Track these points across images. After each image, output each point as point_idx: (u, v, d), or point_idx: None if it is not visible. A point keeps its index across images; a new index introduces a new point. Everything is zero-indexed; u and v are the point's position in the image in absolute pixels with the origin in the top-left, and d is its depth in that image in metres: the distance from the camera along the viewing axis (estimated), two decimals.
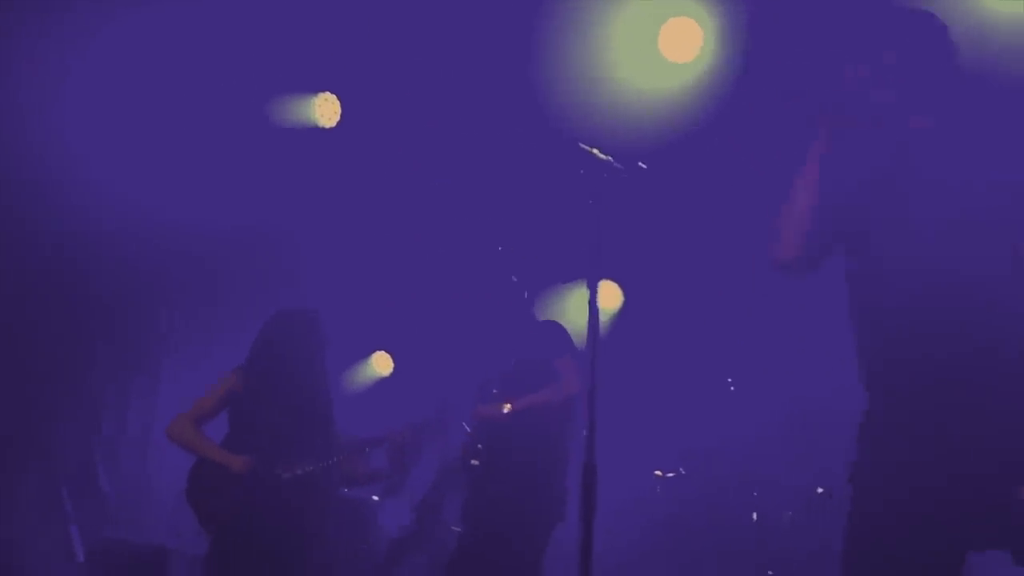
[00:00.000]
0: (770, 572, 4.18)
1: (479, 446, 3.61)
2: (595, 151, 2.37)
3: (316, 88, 5.70)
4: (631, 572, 4.57)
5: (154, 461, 6.07)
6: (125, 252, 5.69)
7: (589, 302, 2.29)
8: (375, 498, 5.19)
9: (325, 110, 5.75)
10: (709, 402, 5.03)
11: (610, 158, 2.38)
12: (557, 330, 3.87)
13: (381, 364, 7.82)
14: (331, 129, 5.75)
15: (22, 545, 5.84)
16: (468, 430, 3.69)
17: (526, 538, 3.48)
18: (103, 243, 5.56)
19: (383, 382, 7.59)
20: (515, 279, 3.89)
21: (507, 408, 3.56)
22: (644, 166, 2.40)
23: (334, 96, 5.75)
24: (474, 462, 3.61)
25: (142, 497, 6.02)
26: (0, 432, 5.56)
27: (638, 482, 4.88)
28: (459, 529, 3.70)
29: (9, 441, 5.62)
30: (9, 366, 5.38)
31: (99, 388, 6.00)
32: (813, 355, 4.80)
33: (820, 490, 4.21)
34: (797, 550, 4.14)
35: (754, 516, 4.57)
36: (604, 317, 6.62)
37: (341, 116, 5.75)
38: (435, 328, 6.15)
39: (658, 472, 4.79)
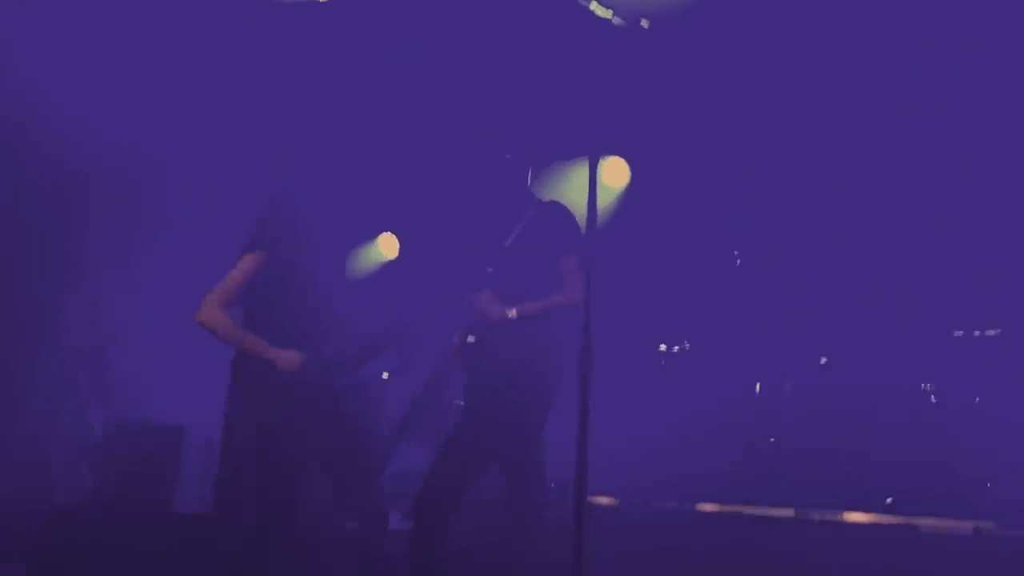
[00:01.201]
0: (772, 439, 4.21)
1: (469, 338, 3.51)
2: (594, 5, 2.20)
3: None
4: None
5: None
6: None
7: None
8: (384, 376, 5.21)
9: None
10: (716, 278, 4.97)
11: (611, 13, 2.21)
12: (560, 213, 3.59)
13: (387, 246, 7.78)
14: None
15: (39, 428, 5.98)
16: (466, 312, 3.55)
17: (521, 415, 3.40)
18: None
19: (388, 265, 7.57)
20: (509, 157, 3.66)
21: (512, 313, 3.42)
22: (647, 25, 2.25)
23: None
24: (470, 338, 3.53)
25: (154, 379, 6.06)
26: (8, 315, 5.59)
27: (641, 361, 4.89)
28: (460, 403, 3.67)
29: (18, 324, 5.66)
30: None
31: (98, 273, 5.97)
32: (816, 231, 4.72)
33: (823, 360, 4.18)
34: (795, 418, 4.14)
35: (757, 387, 4.58)
36: (610, 195, 6.53)
37: None
38: (432, 208, 6.04)
39: (663, 346, 4.77)
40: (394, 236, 7.74)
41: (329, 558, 4.59)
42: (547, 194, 3.75)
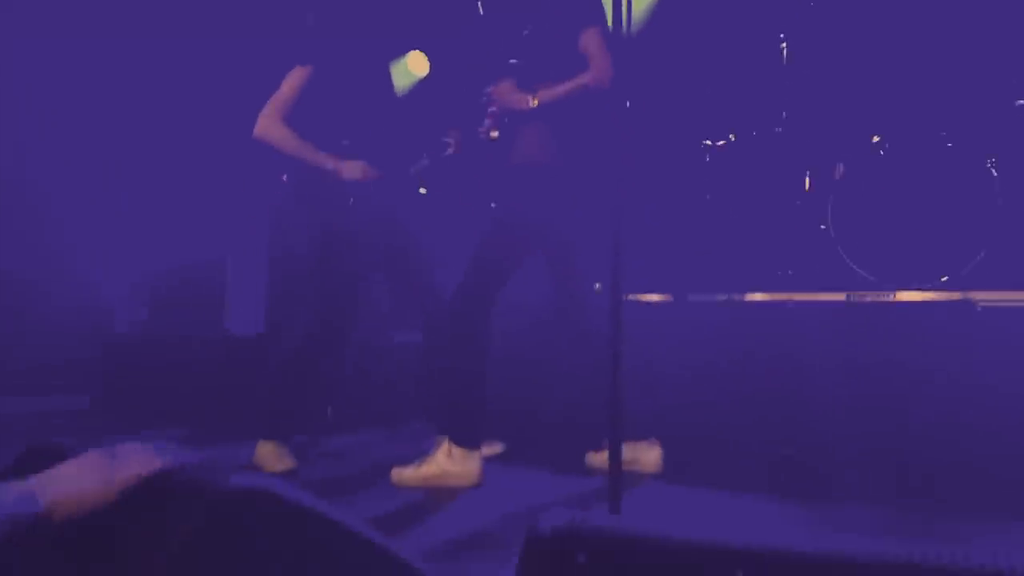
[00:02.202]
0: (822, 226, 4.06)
1: (492, 134, 3.36)
2: None
3: None
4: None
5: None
6: None
7: None
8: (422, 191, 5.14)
9: None
10: (759, 76, 4.70)
11: None
12: None
13: (417, 64, 7.53)
14: None
15: (94, 269, 6.12)
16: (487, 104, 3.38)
17: (551, 206, 3.29)
18: None
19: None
20: None
21: (534, 102, 3.22)
22: None
23: None
24: (494, 134, 3.39)
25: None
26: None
27: (685, 157, 4.72)
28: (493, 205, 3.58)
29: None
30: None
31: None
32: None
33: (875, 138, 3.97)
34: (846, 202, 3.98)
35: (806, 180, 4.41)
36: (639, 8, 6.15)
37: None
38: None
39: (707, 141, 4.58)
40: (422, 53, 7.46)
41: (382, 367, 4.70)
42: None
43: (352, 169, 3.42)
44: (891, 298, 3.48)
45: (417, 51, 7.43)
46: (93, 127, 5.86)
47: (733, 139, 4.55)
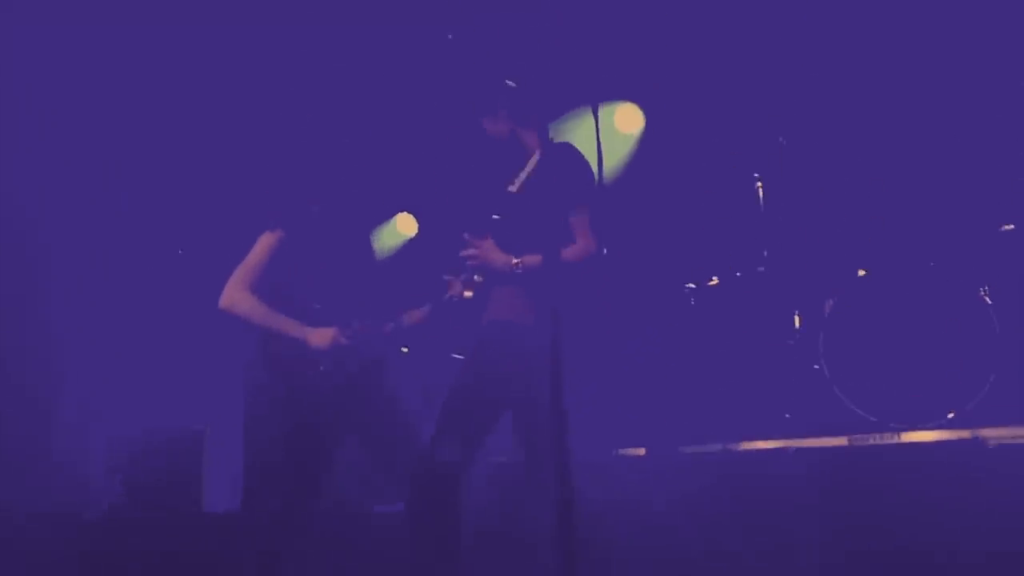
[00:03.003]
0: None
1: (475, 277, 3.22)
2: None
3: None
4: None
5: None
6: None
7: None
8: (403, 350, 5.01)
9: None
10: (737, 217, 4.65)
11: None
12: (571, 156, 3.19)
13: (405, 225, 7.57)
14: None
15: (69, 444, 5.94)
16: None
17: (530, 360, 3.12)
18: None
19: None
20: (512, 84, 3.35)
21: (517, 263, 3.12)
22: None
23: None
24: (468, 294, 3.25)
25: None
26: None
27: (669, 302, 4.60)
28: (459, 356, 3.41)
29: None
30: None
31: None
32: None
33: (862, 272, 3.85)
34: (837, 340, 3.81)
35: (796, 319, 4.27)
36: (625, 143, 6.23)
37: None
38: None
39: (691, 284, 4.48)
40: (411, 215, 7.51)
41: (361, 540, 4.42)
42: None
43: (321, 337, 3.27)
44: (896, 439, 3.26)
45: (405, 213, 7.49)
46: (60, 285, 5.78)
47: (716, 282, 4.45)
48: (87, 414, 5.89)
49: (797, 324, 4.20)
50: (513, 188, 3.24)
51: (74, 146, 5.61)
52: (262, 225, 3.41)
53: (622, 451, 3.91)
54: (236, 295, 3.28)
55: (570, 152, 3.20)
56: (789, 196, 4.45)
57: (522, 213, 3.16)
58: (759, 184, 4.39)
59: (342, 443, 3.50)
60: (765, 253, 4.34)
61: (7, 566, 5.20)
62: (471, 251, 3.14)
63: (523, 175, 3.23)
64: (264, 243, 3.35)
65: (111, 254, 5.93)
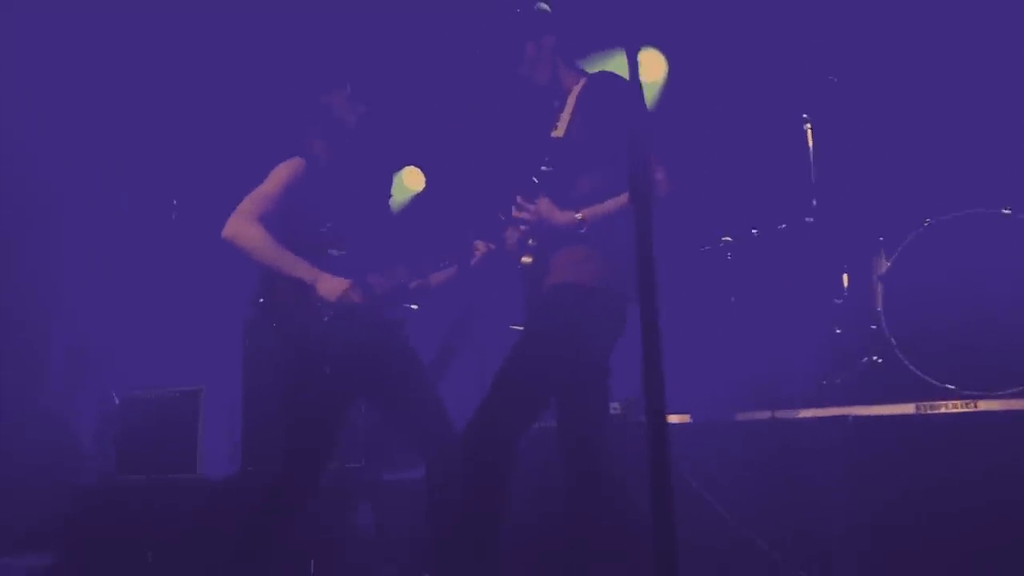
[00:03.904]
0: None
1: (529, 241, 2.84)
2: None
3: None
4: None
5: None
6: None
7: None
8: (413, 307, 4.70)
9: None
10: (781, 161, 4.28)
11: None
12: (615, 84, 2.77)
13: (412, 179, 7.22)
14: None
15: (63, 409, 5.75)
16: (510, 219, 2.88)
17: (590, 339, 2.76)
18: None
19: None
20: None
21: (581, 216, 2.66)
22: None
23: None
24: (525, 260, 2.86)
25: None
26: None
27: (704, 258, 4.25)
28: (518, 328, 3.03)
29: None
30: None
31: None
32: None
33: (927, 222, 3.49)
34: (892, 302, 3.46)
35: (844, 279, 3.93)
36: (649, 90, 5.86)
37: None
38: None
39: (727, 238, 4.12)
40: (417, 169, 7.15)
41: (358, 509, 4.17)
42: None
43: (331, 286, 2.91)
44: (972, 408, 2.92)
45: (413, 166, 7.13)
46: (57, 244, 5.52)
47: (756, 233, 4.08)
48: (78, 374, 5.67)
49: (846, 282, 3.85)
50: (557, 133, 2.86)
51: (73, 107, 5.35)
52: (286, 149, 3.05)
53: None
54: (243, 225, 2.89)
55: (612, 80, 2.79)
56: (841, 140, 4.06)
57: (572, 159, 2.78)
58: (808, 126, 4.01)
59: (350, 404, 3.20)
60: (814, 202, 3.97)
61: None
62: (524, 213, 2.77)
63: (565, 116, 2.85)
64: (281, 172, 2.99)
65: (107, 208, 5.67)
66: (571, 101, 2.84)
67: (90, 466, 5.42)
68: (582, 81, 2.86)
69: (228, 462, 5.07)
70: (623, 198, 2.67)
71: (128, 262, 5.75)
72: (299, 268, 2.90)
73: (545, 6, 2.91)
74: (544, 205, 2.73)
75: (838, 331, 3.61)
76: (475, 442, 2.65)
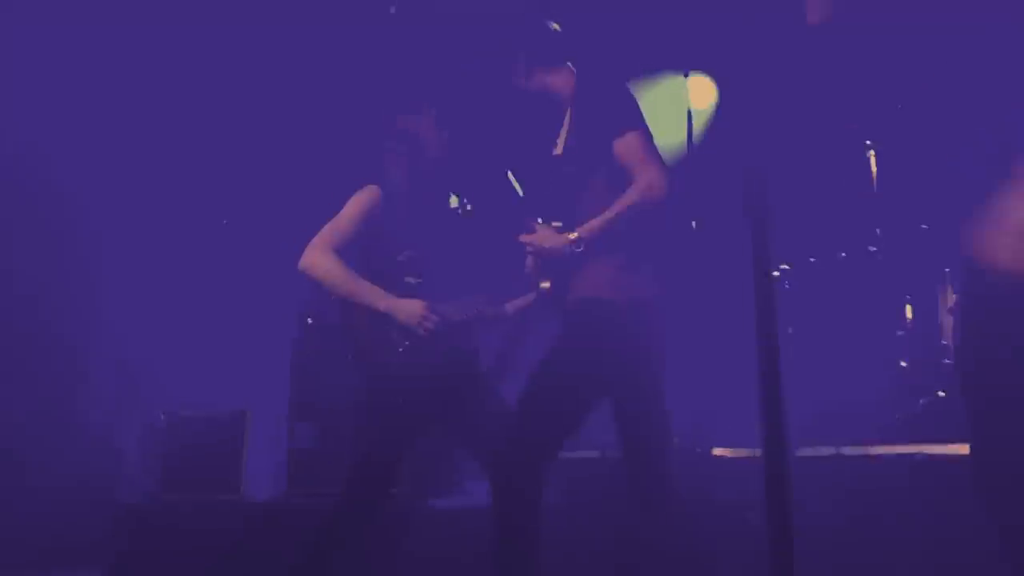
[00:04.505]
0: None
1: (549, 268, 2.80)
2: None
3: None
4: None
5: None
6: None
7: None
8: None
9: None
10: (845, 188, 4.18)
11: None
12: (606, 88, 2.72)
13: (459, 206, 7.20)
14: None
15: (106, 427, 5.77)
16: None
17: (626, 342, 2.69)
18: None
19: None
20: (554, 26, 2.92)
21: (572, 237, 2.62)
22: None
23: None
24: (544, 285, 2.82)
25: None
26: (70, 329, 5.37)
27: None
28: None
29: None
30: None
31: None
32: None
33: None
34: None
35: (908, 311, 3.80)
36: (699, 117, 5.79)
37: None
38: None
39: (785, 266, 4.02)
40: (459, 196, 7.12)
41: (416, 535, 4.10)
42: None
43: (411, 311, 2.89)
44: None
45: (454, 195, 7.11)
46: (102, 259, 5.54)
47: (814, 262, 3.98)
48: (124, 393, 5.68)
49: (909, 314, 3.74)
50: (557, 151, 2.83)
51: (123, 122, 5.38)
52: (361, 176, 3.06)
53: (719, 450, 3.49)
54: (318, 257, 2.92)
55: (603, 84, 2.74)
56: (907, 167, 3.96)
57: (573, 175, 2.74)
58: (871, 153, 3.91)
59: (423, 435, 3.16)
60: (878, 231, 3.86)
61: (42, 549, 5.03)
62: (528, 247, 2.75)
63: (563, 133, 2.82)
64: (356, 202, 2.99)
65: (153, 228, 5.68)
66: (568, 115, 2.81)
67: (135, 485, 5.42)
68: (576, 93, 2.80)
69: (272, 483, 5.04)
70: (617, 206, 2.60)
71: (176, 279, 5.76)
72: (376, 298, 2.90)
73: (555, 25, 2.87)
74: (540, 233, 2.71)
75: (903, 364, 3.48)
76: (505, 468, 2.61)
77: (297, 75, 5.36)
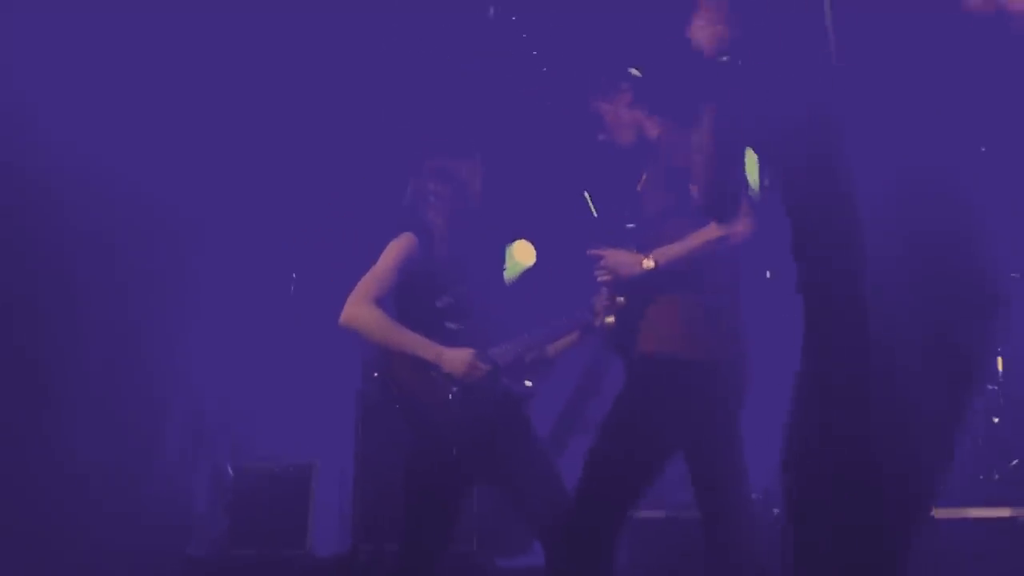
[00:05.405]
0: None
1: (618, 299, 2.72)
2: None
3: None
4: None
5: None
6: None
7: None
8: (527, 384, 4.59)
9: None
10: None
11: None
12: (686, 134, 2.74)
13: (523, 253, 7.16)
14: None
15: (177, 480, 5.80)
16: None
17: (696, 394, 2.58)
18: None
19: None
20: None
21: (650, 264, 2.55)
22: None
23: None
24: (608, 320, 2.74)
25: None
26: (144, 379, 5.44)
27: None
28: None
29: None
30: None
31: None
32: None
33: None
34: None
35: None
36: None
37: None
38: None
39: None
40: (528, 242, 7.10)
41: None
42: None
43: (457, 359, 2.83)
44: None
45: (524, 240, 7.09)
46: (167, 313, 5.60)
47: None
48: (192, 446, 5.72)
49: (1000, 367, 3.55)
50: (640, 187, 2.78)
51: (207, 160, 5.47)
52: (398, 224, 3.01)
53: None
54: (358, 309, 2.85)
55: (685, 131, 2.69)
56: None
57: (657, 211, 2.66)
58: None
59: (473, 484, 3.12)
60: None
61: None
62: (600, 273, 2.67)
63: (651, 178, 2.76)
64: (392, 250, 2.93)
65: (218, 279, 5.76)
66: (654, 153, 2.75)
67: (203, 537, 5.43)
68: (662, 131, 2.74)
69: (337, 537, 5.00)
70: (703, 235, 2.49)
71: (245, 333, 5.81)
72: (420, 346, 2.83)
73: (636, 71, 2.81)
74: (612, 257, 2.62)
75: (995, 420, 3.29)
76: (567, 534, 2.53)
77: (347, 130, 5.41)
